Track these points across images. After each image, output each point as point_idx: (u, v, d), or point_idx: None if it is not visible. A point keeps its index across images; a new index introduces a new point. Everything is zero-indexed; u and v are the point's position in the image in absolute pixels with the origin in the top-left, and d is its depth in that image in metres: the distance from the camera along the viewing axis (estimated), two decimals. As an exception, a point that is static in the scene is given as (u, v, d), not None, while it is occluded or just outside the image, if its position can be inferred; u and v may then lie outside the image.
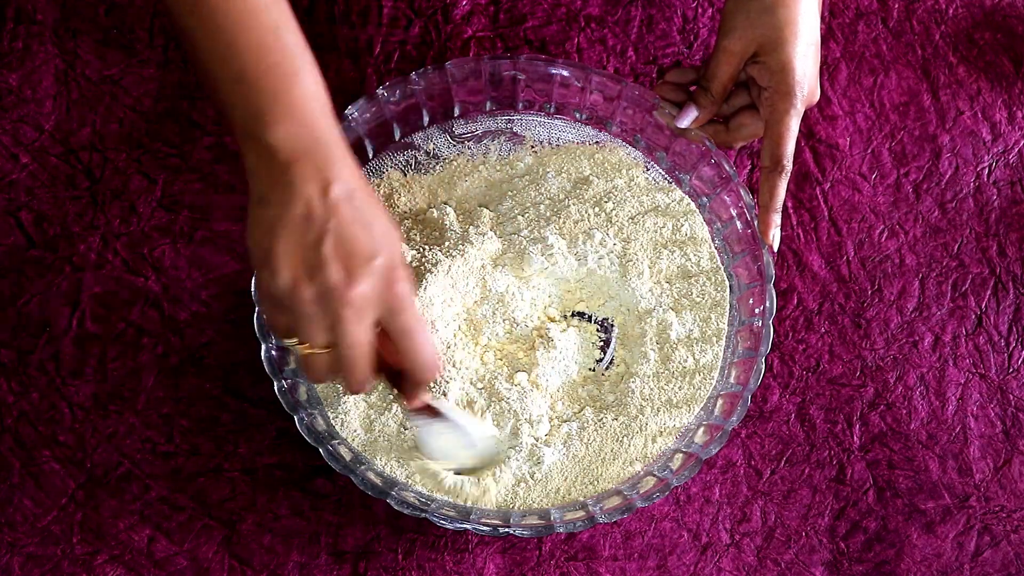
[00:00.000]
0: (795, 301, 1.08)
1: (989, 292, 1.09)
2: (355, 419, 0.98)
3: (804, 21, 0.96)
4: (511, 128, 1.08)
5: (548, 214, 1.04)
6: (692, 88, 1.02)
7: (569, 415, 1.00)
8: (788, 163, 0.97)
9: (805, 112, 0.99)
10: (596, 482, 0.98)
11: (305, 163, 0.81)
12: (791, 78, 0.96)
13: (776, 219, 0.99)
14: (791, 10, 0.95)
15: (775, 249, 1.00)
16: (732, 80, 0.99)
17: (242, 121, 0.82)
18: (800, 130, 0.99)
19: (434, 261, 0.99)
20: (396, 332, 0.83)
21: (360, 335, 0.81)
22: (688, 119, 1.01)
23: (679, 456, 0.98)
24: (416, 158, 1.07)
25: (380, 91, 1.02)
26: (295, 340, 0.83)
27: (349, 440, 0.97)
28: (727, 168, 1.03)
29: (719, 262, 1.04)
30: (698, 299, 1.03)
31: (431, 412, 0.93)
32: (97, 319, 1.03)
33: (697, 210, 1.05)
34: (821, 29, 0.99)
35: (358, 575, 0.99)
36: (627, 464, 0.99)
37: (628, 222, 1.04)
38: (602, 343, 1.03)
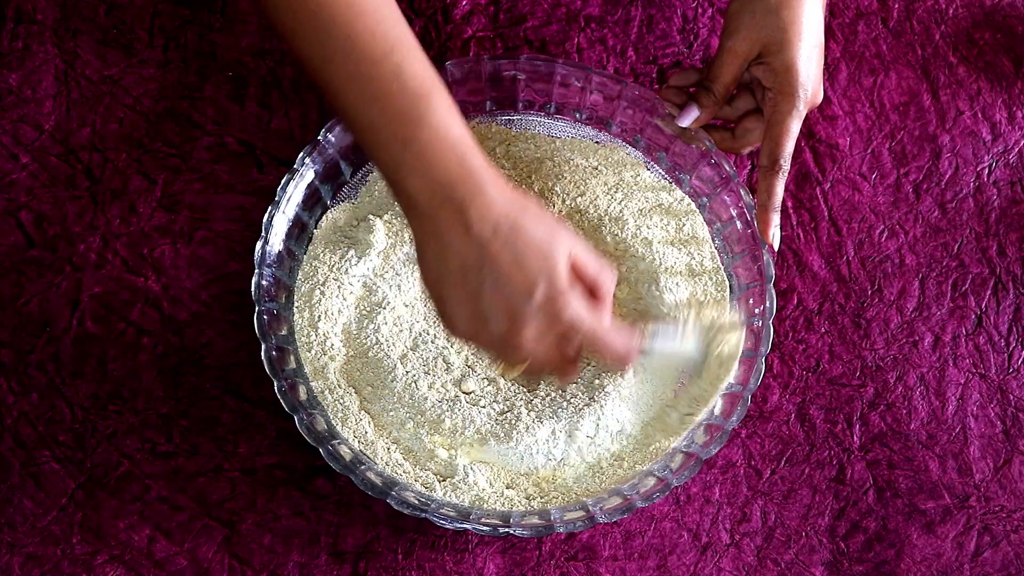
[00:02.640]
0: (795, 301, 1.08)
1: (989, 292, 1.09)
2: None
3: (808, 23, 0.96)
4: (511, 128, 1.08)
5: (569, 190, 1.05)
6: (692, 89, 1.02)
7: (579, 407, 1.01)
8: (786, 163, 0.97)
9: (806, 113, 0.99)
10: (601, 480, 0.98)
11: (445, 210, 0.81)
12: (795, 79, 0.96)
13: (775, 218, 0.99)
14: (795, 11, 0.96)
15: (775, 248, 1.00)
16: (735, 81, 0.99)
17: (385, 171, 0.83)
18: (800, 130, 0.99)
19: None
20: (583, 347, 0.87)
21: (545, 356, 0.86)
22: (690, 118, 1.01)
23: (679, 456, 0.98)
24: None
25: (380, 91, 1.02)
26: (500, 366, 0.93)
27: (349, 439, 0.97)
28: (727, 168, 1.03)
29: (719, 262, 1.04)
30: (701, 299, 1.03)
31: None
32: (97, 319, 1.03)
33: (697, 210, 1.05)
34: (821, 29, 0.99)
35: (358, 575, 0.99)
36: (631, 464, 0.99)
37: (638, 215, 1.04)
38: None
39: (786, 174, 0.98)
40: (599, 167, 1.06)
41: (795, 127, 0.97)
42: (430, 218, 0.82)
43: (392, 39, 0.82)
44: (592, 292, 0.86)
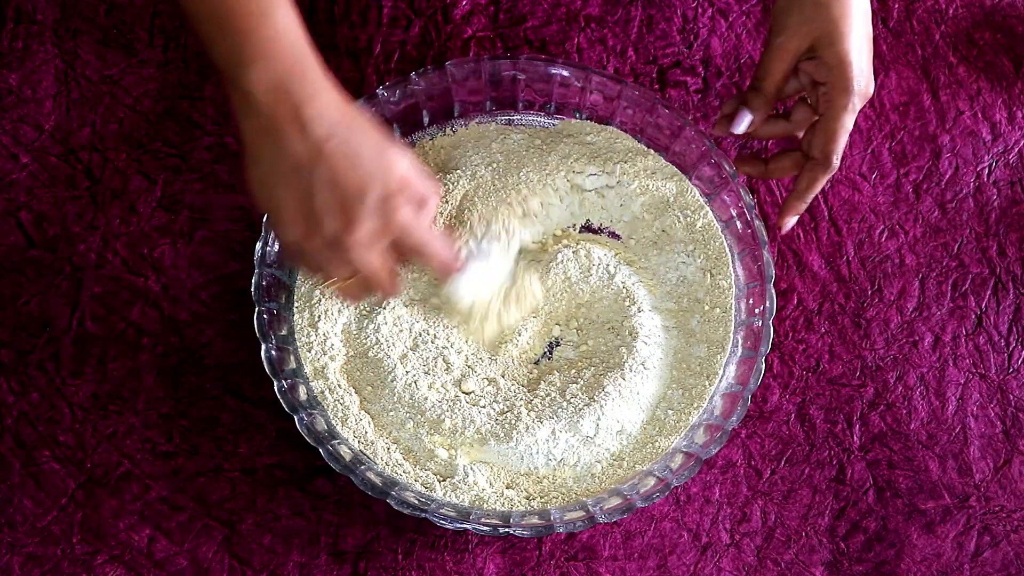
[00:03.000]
0: (795, 301, 1.08)
1: (989, 292, 1.09)
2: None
3: (857, 13, 0.94)
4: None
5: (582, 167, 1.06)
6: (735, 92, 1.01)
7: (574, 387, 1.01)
8: (837, 160, 0.96)
9: (860, 107, 0.96)
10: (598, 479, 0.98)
11: (282, 105, 0.81)
12: (849, 72, 0.93)
13: (801, 209, 0.99)
14: (845, 3, 0.93)
15: (783, 232, 1.01)
16: (785, 78, 0.97)
17: (223, 66, 0.83)
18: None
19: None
20: (409, 252, 0.88)
21: (374, 263, 0.86)
22: (744, 124, 0.98)
23: (679, 456, 0.98)
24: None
25: (380, 91, 1.02)
26: (321, 278, 0.89)
27: (349, 439, 0.97)
28: (727, 168, 1.03)
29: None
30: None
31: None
32: (97, 319, 1.03)
33: (707, 206, 1.05)
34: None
35: (358, 575, 0.99)
36: (632, 464, 0.99)
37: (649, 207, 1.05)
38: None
39: (835, 170, 0.97)
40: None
41: (849, 122, 0.95)
42: (266, 115, 0.82)
43: None
44: (419, 203, 0.87)
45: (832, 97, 0.95)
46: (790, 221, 1.00)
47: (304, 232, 0.84)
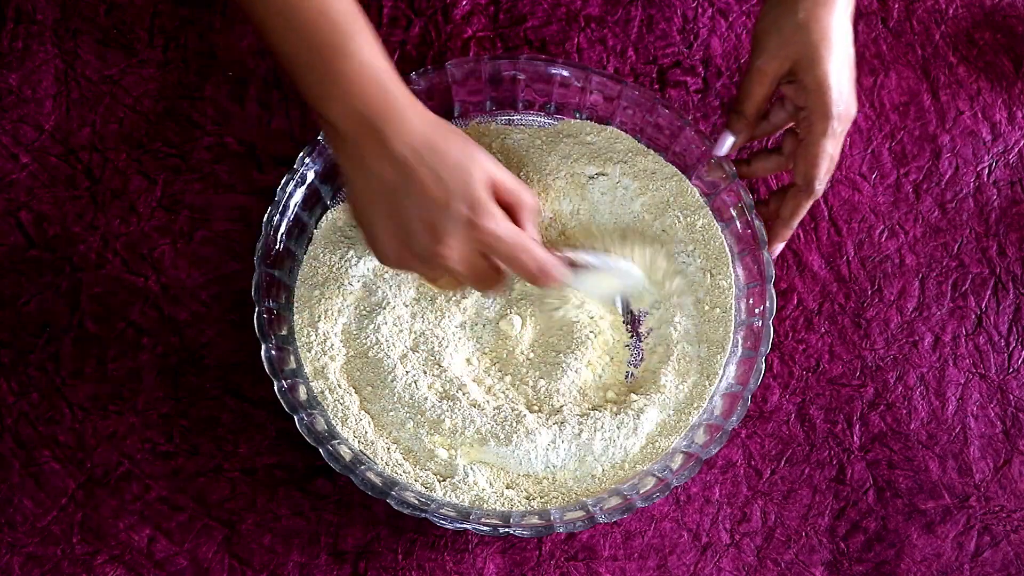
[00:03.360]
0: (795, 301, 1.08)
1: (989, 292, 1.09)
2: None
3: (837, 36, 0.93)
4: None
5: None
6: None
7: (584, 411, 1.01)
8: (820, 187, 0.96)
9: (844, 131, 0.96)
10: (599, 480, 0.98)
11: (367, 135, 0.85)
12: (828, 96, 0.93)
13: (788, 235, 1.00)
14: (824, 25, 0.93)
15: (772, 258, 1.00)
16: (766, 101, 0.97)
17: (310, 100, 0.87)
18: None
19: None
20: (500, 261, 0.89)
21: (468, 269, 0.88)
22: (726, 146, 0.99)
23: (679, 456, 0.98)
24: None
25: (380, 91, 1.02)
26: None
27: (349, 439, 0.97)
28: (727, 168, 1.03)
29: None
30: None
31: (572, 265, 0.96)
32: (97, 319, 1.03)
33: (707, 206, 1.05)
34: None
35: (358, 575, 0.99)
36: (630, 464, 0.99)
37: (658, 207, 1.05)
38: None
39: (818, 196, 0.97)
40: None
41: (830, 147, 0.94)
42: (352, 143, 0.85)
43: None
44: (511, 211, 0.89)
45: (812, 122, 0.94)
46: (777, 248, 1.02)
47: (398, 251, 0.88)
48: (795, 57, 0.94)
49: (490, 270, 0.89)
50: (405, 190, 0.85)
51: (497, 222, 0.87)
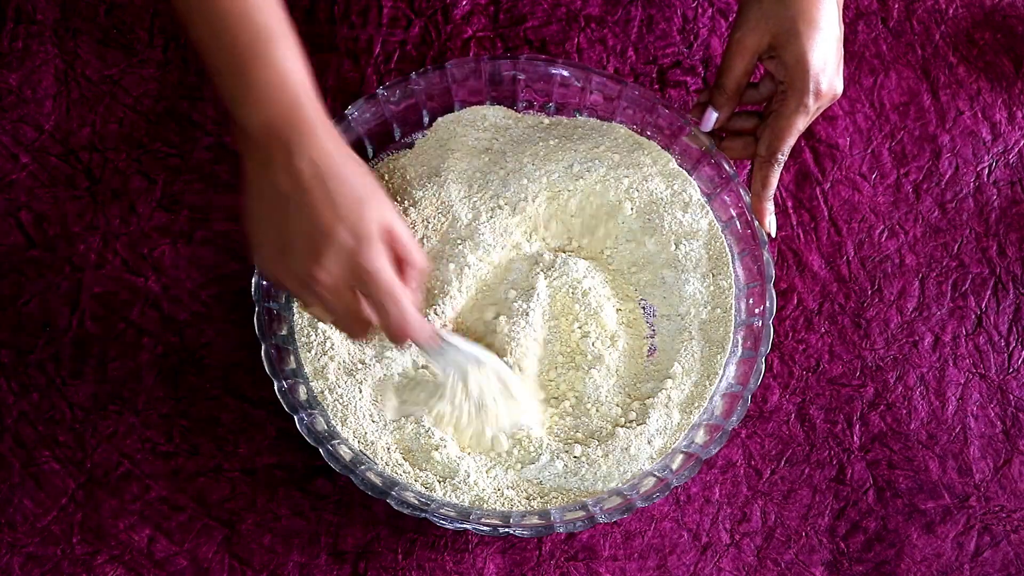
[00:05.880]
0: (795, 301, 1.08)
1: (989, 292, 1.09)
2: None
3: (822, 13, 0.93)
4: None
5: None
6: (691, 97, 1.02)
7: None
8: (783, 156, 0.96)
9: (824, 107, 0.96)
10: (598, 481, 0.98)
11: (273, 143, 0.83)
12: (805, 73, 0.93)
13: (770, 207, 0.99)
14: (806, 1, 0.92)
15: (773, 235, 1.00)
16: (747, 75, 0.97)
17: (225, 100, 0.85)
18: (804, 128, 0.98)
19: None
20: (369, 303, 0.86)
21: (337, 301, 0.85)
22: (710, 122, 0.99)
23: (679, 456, 0.98)
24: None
25: (380, 91, 1.03)
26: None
27: (349, 439, 0.97)
28: (727, 168, 1.03)
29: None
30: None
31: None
32: (97, 319, 1.03)
33: (707, 206, 1.05)
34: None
35: (358, 575, 0.99)
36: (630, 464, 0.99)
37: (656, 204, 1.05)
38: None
39: (782, 165, 0.97)
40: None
41: (800, 123, 0.95)
42: (261, 150, 0.84)
43: None
44: (400, 265, 0.86)
45: (786, 96, 0.94)
46: (770, 220, 1.00)
47: (274, 260, 0.86)
48: (774, 31, 0.94)
49: (358, 312, 0.86)
50: (296, 203, 0.83)
51: (380, 261, 0.84)
